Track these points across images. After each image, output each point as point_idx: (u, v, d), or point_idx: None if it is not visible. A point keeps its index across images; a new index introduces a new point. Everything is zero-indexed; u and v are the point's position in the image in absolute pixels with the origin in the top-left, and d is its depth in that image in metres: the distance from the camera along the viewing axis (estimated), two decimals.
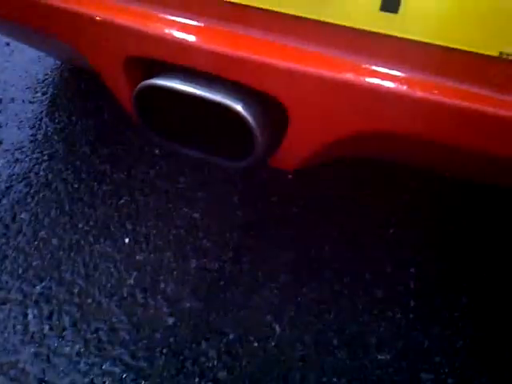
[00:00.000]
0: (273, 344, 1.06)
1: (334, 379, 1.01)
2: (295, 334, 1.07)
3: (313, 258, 1.21)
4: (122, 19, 0.75)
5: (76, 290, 1.13)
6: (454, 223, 1.26)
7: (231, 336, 1.07)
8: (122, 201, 1.34)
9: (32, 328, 1.06)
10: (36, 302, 1.10)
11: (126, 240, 1.24)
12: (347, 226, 1.26)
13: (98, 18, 0.76)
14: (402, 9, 0.61)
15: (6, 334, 1.04)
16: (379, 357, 1.04)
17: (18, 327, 1.05)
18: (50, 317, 1.08)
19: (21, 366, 0.99)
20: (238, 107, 0.72)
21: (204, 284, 1.16)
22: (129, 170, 1.42)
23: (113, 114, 1.57)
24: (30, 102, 1.63)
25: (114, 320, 1.08)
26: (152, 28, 0.75)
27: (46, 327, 1.06)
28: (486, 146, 0.62)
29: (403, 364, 1.04)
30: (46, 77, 1.74)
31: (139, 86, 0.77)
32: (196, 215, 1.31)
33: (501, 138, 0.61)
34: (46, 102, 1.64)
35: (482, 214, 1.28)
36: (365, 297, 1.13)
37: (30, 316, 1.08)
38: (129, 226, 1.28)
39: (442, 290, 1.14)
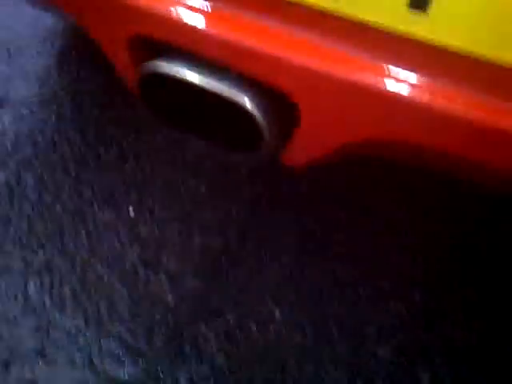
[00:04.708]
0: (272, 331, 1.05)
1: (332, 370, 1.01)
2: (295, 322, 1.07)
3: (318, 240, 1.19)
4: None
5: (78, 261, 1.12)
6: (464, 223, 1.22)
7: (231, 320, 1.06)
8: (128, 168, 1.31)
9: (33, 299, 1.06)
10: (38, 272, 1.09)
11: (131, 209, 1.22)
12: (357, 211, 1.23)
13: None
14: (432, 7, 0.55)
15: (7, 304, 1.04)
16: (378, 350, 1.04)
17: (19, 297, 1.06)
18: (51, 288, 1.08)
19: (20, 337, 1.00)
20: (247, 103, 0.67)
21: (207, 262, 1.15)
22: (137, 134, 1.37)
23: None
24: (38, 53, 1.56)
25: (114, 295, 1.08)
26: (160, 7, 0.68)
27: (47, 299, 1.06)
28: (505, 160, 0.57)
29: (402, 359, 1.03)
30: (56, 25, 1.66)
31: (143, 70, 0.71)
32: (203, 188, 1.28)
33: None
34: (55, 54, 1.57)
35: (494, 217, 1.23)
36: (369, 287, 1.12)
37: (32, 286, 1.07)
38: (134, 196, 1.25)
39: (450, 286, 1.12)
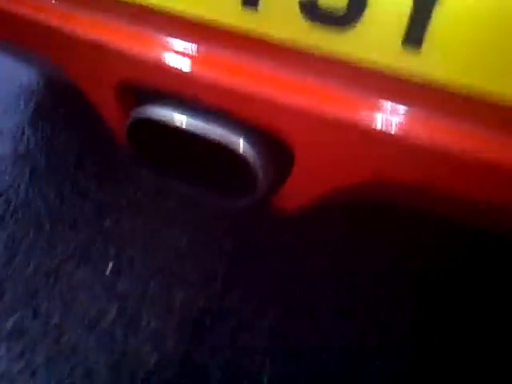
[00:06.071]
0: None
1: None
2: (287, 376, 1.01)
3: (303, 292, 1.15)
4: (115, 41, 0.68)
5: (51, 325, 1.05)
6: (450, 261, 1.20)
7: (218, 376, 1.00)
8: (106, 222, 1.26)
9: (2, 366, 0.98)
10: (8, 338, 1.02)
11: (109, 267, 1.17)
12: (341, 260, 1.20)
13: (88, 39, 0.68)
14: (425, 45, 0.54)
15: None
16: None
17: None
18: (21, 354, 1.00)
19: None
20: (240, 146, 0.64)
21: (189, 320, 1.09)
22: (115, 189, 1.34)
23: (100, 125, 1.49)
24: (12, 110, 1.54)
25: (91, 359, 1.01)
26: (147, 52, 0.67)
27: (17, 366, 0.98)
28: (503, 200, 0.55)
29: None
30: (30, 82, 1.65)
31: (132, 116, 0.69)
32: (183, 241, 1.24)
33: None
34: (30, 111, 1.55)
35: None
36: (358, 340, 1.07)
37: (1, 352, 1.00)
38: (112, 251, 1.20)
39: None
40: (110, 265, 1.16)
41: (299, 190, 0.67)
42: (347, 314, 1.11)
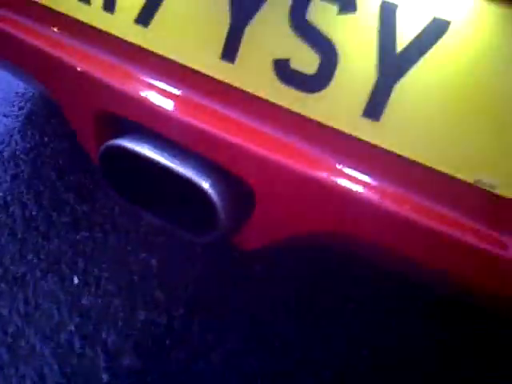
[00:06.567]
0: None
1: None
2: None
3: (266, 325, 1.16)
4: (97, 71, 0.72)
5: (11, 330, 1.06)
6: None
7: None
8: (79, 236, 1.28)
9: None
10: None
11: (75, 280, 1.18)
12: (306, 294, 1.22)
13: (74, 67, 0.72)
14: (384, 117, 0.59)
15: None
16: None
17: None
18: None
19: None
20: (205, 184, 0.68)
21: (149, 340, 1.10)
22: (93, 203, 1.36)
23: None
24: (5, 116, 1.57)
25: (44, 368, 1.01)
26: (126, 86, 0.71)
27: None
28: (450, 267, 0.59)
29: None
30: (26, 91, 1.68)
31: (105, 145, 0.73)
32: (153, 262, 1.26)
33: (463, 261, 0.58)
34: (21, 118, 1.58)
35: None
36: (312, 377, 1.08)
37: None
38: (81, 265, 1.21)
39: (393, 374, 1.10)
40: (76, 279, 1.17)
41: (259, 232, 0.70)
42: (305, 353, 1.12)
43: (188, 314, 1.15)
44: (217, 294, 1.20)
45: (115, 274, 1.21)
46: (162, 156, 0.69)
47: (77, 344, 1.06)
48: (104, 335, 1.09)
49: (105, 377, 1.02)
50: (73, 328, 1.08)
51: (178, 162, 0.67)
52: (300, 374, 1.09)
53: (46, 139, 1.52)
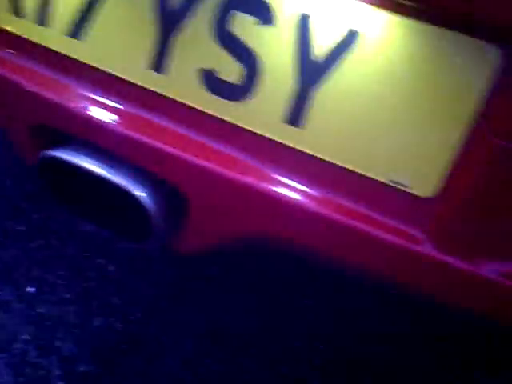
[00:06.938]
0: None
1: None
2: None
3: (223, 326, 1.18)
4: (30, 84, 0.73)
5: None
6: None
7: None
8: (34, 244, 1.28)
9: None
10: None
11: (30, 289, 1.18)
12: (266, 294, 1.24)
13: (6, 79, 0.73)
14: (304, 123, 0.61)
15: None
16: None
17: None
18: None
19: None
20: (138, 193, 0.70)
21: (105, 346, 1.11)
22: (50, 212, 1.36)
23: None
24: None
25: None
26: (58, 98, 0.72)
27: None
28: (370, 265, 0.62)
29: None
30: None
31: (40, 156, 0.74)
32: (111, 268, 1.27)
33: (381, 258, 0.61)
34: None
35: None
36: (270, 371, 1.11)
37: None
38: (36, 273, 1.21)
39: (349, 369, 1.13)
40: (31, 287, 1.17)
41: (196, 237, 0.72)
42: (262, 350, 1.15)
43: (144, 318, 1.17)
44: (174, 296, 1.22)
45: (71, 282, 1.21)
46: (97, 166, 0.71)
47: (32, 353, 1.06)
48: (59, 343, 1.09)
49: None
50: (27, 337, 1.08)
51: (112, 171, 0.69)
52: (258, 372, 1.12)
53: (5, 144, 1.50)
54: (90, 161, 0.70)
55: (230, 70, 0.62)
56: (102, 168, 0.70)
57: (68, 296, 1.18)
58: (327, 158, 0.61)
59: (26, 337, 1.08)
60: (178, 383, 1.07)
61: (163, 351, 1.12)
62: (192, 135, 0.66)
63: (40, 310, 1.14)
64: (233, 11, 0.61)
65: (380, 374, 1.14)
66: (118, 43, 0.68)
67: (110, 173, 0.70)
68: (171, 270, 1.27)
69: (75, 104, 0.69)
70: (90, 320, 1.14)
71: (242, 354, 1.14)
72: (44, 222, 1.32)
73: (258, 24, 0.60)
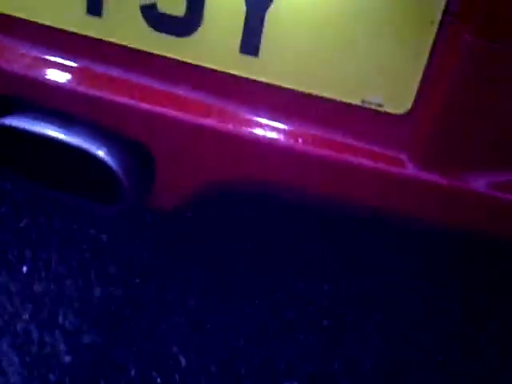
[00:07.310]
0: (177, 378, 1.01)
1: None
2: (201, 365, 1.03)
3: (223, 277, 1.17)
4: None
5: None
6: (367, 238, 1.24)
7: (133, 372, 1.01)
8: (22, 223, 1.25)
9: None
10: None
11: (24, 269, 1.16)
12: (260, 242, 1.22)
13: None
14: (262, 52, 0.56)
15: None
16: None
17: None
18: None
19: None
20: (100, 152, 0.65)
21: (107, 314, 1.10)
22: (32, 189, 1.32)
23: None
24: None
25: (4, 362, 1.00)
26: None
27: None
28: (348, 193, 0.58)
29: None
30: None
31: None
32: (103, 236, 1.24)
33: (360, 185, 0.57)
34: None
35: None
36: (275, 319, 1.10)
37: None
38: (28, 253, 1.19)
39: (355, 308, 1.12)
40: (25, 267, 1.15)
41: (169, 190, 0.68)
42: (266, 298, 1.13)
43: (144, 282, 1.15)
44: (170, 256, 1.20)
45: (65, 256, 1.19)
46: (55, 130, 0.66)
47: (34, 332, 1.05)
48: (61, 318, 1.08)
49: (67, 358, 1.02)
50: (27, 317, 1.07)
51: (66, 132, 0.64)
52: (263, 317, 1.10)
53: None
54: (42, 124, 0.65)
55: (173, 2, 0.56)
56: (55, 130, 0.65)
57: (63, 271, 1.16)
58: (291, 86, 0.56)
59: (26, 316, 1.07)
60: (186, 342, 1.06)
61: (167, 311, 1.10)
62: (141, 80, 0.61)
63: (37, 289, 1.12)
64: None
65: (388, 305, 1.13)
66: None
67: (70, 136, 0.65)
68: (164, 231, 1.24)
69: (15, 65, 0.64)
70: (90, 291, 1.13)
71: (246, 304, 1.13)
72: (27, 200, 1.29)
73: None
